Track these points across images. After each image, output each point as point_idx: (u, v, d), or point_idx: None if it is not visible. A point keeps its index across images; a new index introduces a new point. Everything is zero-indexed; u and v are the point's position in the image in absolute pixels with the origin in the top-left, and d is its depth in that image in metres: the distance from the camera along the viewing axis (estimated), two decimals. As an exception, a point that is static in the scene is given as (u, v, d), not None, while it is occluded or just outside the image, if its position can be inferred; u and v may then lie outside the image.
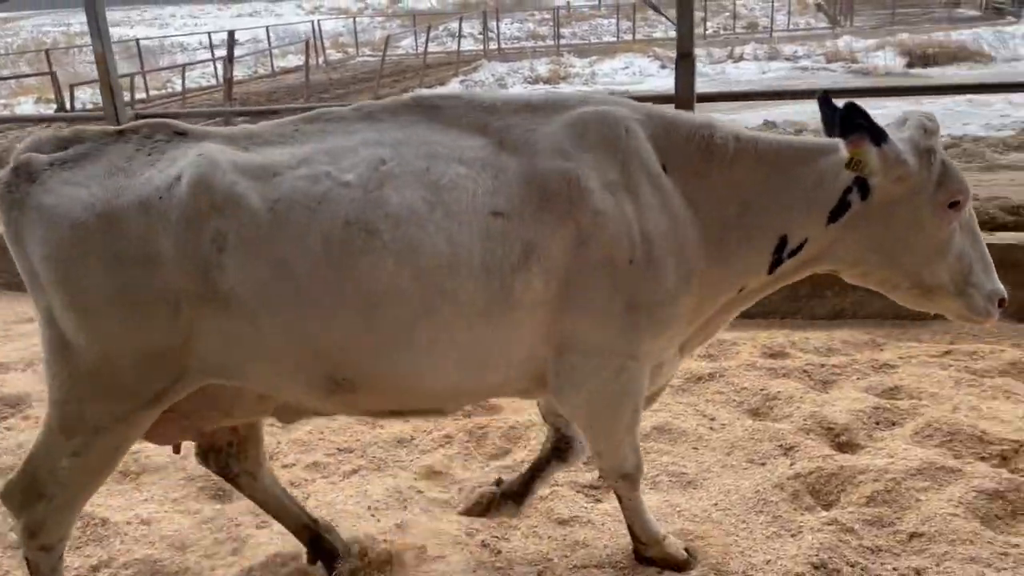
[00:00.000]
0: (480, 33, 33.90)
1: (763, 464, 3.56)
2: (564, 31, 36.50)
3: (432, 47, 31.29)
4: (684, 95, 5.15)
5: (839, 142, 2.45)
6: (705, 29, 34.65)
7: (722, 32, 35.32)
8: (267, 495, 2.89)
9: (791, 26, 35.66)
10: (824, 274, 2.75)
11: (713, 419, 3.99)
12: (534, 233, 2.34)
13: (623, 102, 2.60)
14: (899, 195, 2.46)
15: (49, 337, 2.34)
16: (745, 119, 12.59)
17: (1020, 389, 3.98)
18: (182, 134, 2.39)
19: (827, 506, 3.22)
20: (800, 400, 4.05)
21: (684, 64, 4.89)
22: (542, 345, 2.47)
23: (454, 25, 32.72)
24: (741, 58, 25.85)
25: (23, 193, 2.28)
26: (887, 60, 23.48)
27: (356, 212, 2.27)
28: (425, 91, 2.68)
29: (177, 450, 2.89)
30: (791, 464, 3.47)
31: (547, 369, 2.51)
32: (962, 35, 25.27)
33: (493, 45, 33.35)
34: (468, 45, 32.93)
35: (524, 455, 3.68)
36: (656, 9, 5.68)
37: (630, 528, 2.90)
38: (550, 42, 34.41)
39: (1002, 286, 2.60)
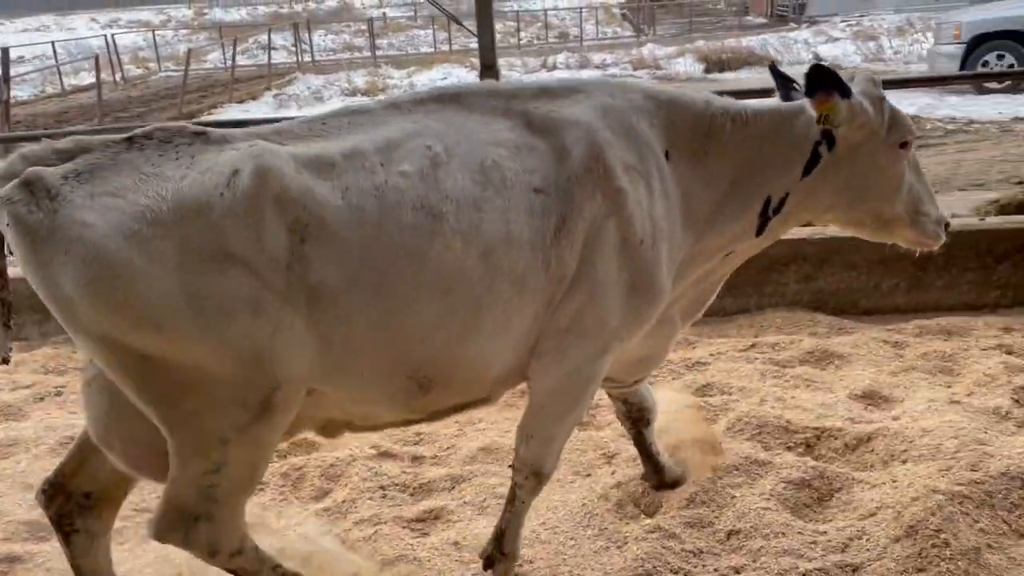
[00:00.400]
0: (293, 45, 32.90)
1: (588, 475, 3.56)
2: (381, 42, 36.11)
3: (242, 60, 30.00)
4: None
5: (805, 102, 2.67)
6: (519, 39, 35.44)
7: (536, 42, 36.26)
8: (95, 565, 2.61)
9: (600, 35, 37.20)
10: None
11: (539, 433, 3.95)
12: (567, 207, 2.44)
13: (635, 87, 2.72)
14: (859, 141, 2.71)
15: (124, 366, 2.11)
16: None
17: (818, 377, 4.23)
18: (202, 135, 2.24)
19: (650, 513, 3.25)
20: (621, 406, 4.09)
21: (488, 75, 4.86)
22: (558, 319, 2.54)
23: (264, 37, 31.51)
24: (555, 67, 26.58)
25: (47, 212, 1.99)
26: (687, 66, 24.93)
27: (420, 198, 2.28)
28: (443, 83, 2.65)
29: None
30: (613, 472, 3.48)
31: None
32: (751, 41, 27.26)
33: (307, 57, 32.46)
34: (281, 58, 31.85)
35: (347, 494, 3.48)
36: (458, 22, 5.64)
37: (501, 534, 2.79)
38: (367, 53, 33.90)
39: (944, 212, 2.94)
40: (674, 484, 3.33)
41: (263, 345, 2.13)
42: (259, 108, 21.32)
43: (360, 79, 25.09)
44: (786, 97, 2.89)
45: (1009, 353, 4.30)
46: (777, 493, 3.17)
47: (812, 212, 2.87)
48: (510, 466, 2.79)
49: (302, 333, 2.18)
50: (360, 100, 22.36)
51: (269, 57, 28.34)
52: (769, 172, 2.73)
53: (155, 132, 2.21)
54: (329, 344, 2.22)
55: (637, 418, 3.23)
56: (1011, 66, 14.47)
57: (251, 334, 2.12)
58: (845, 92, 2.63)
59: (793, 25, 32.34)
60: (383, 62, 29.87)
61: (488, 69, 4.86)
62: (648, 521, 3.15)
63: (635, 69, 25.28)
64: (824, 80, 2.60)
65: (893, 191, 2.79)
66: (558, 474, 3.56)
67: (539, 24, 39.35)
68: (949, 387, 4.01)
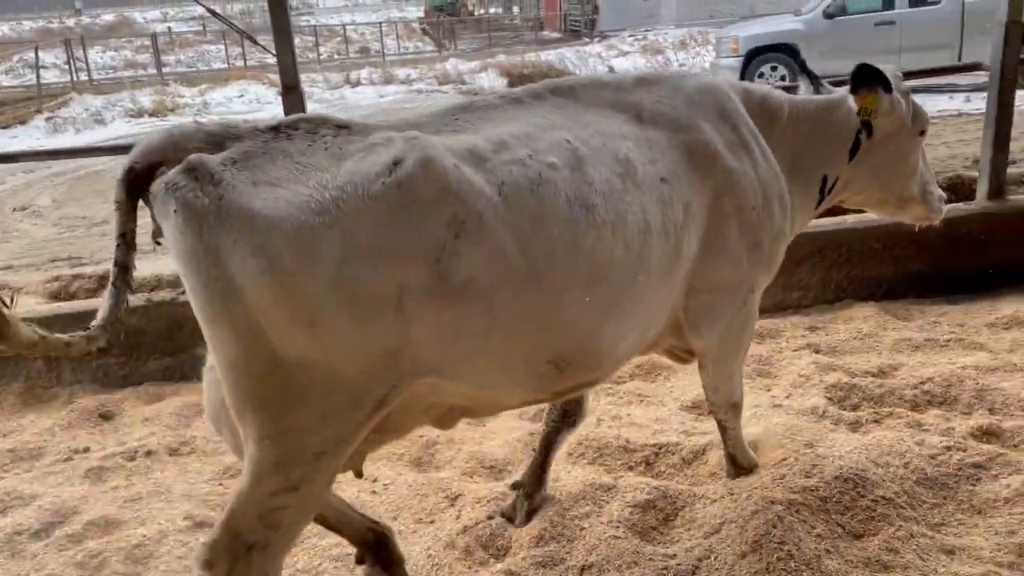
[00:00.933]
0: (66, 63, 30.11)
1: (432, 522, 3.34)
2: (167, 59, 33.87)
3: (6, 80, 27.16)
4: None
5: (847, 95, 3.08)
6: (319, 55, 34.57)
7: (336, 56, 35.49)
8: (328, 508, 2.66)
9: (401, 50, 37.03)
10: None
11: (376, 480, 3.70)
12: (687, 193, 2.63)
13: (707, 75, 2.97)
14: (890, 130, 3.14)
15: (250, 366, 1.97)
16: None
17: (648, 391, 4.27)
18: (345, 127, 2.17)
19: (500, 556, 3.08)
20: (460, 441, 3.92)
21: (291, 97, 4.51)
22: (680, 295, 2.76)
23: (31, 55, 28.58)
24: (358, 83, 26.09)
25: (212, 198, 1.91)
26: (491, 80, 25.33)
27: (572, 191, 2.32)
28: (554, 79, 2.49)
29: None
30: (458, 516, 3.29)
31: (679, 315, 2.83)
32: (550, 55, 28.21)
33: (84, 76, 29.81)
34: (52, 77, 29.06)
35: (156, 577, 3.05)
36: (252, 40, 5.24)
37: (732, 457, 3.29)
38: (152, 71, 31.64)
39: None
40: (532, 512, 3.22)
41: (399, 342, 2.06)
42: (29, 133, 19.26)
43: (146, 99, 23.35)
44: (817, 92, 3.30)
45: (817, 352, 4.55)
46: (624, 519, 3.12)
47: (848, 192, 3.27)
48: (709, 412, 3.29)
49: (436, 325, 2.11)
50: (147, 121, 20.82)
51: (38, 77, 25.71)
52: (822, 154, 3.12)
53: (300, 123, 2.14)
54: (462, 336, 2.16)
55: (568, 412, 3.27)
56: (783, 77, 15.82)
57: (392, 331, 2.05)
58: (887, 87, 3.02)
59: (586, 40, 33.84)
60: (171, 80, 28.04)
61: (290, 91, 4.51)
62: (499, 566, 2.98)
63: (440, 84, 25.34)
64: (869, 76, 3.00)
65: (912, 173, 3.25)
66: (399, 524, 3.34)
67: (338, 39, 38.61)
68: (769, 391, 4.17)
